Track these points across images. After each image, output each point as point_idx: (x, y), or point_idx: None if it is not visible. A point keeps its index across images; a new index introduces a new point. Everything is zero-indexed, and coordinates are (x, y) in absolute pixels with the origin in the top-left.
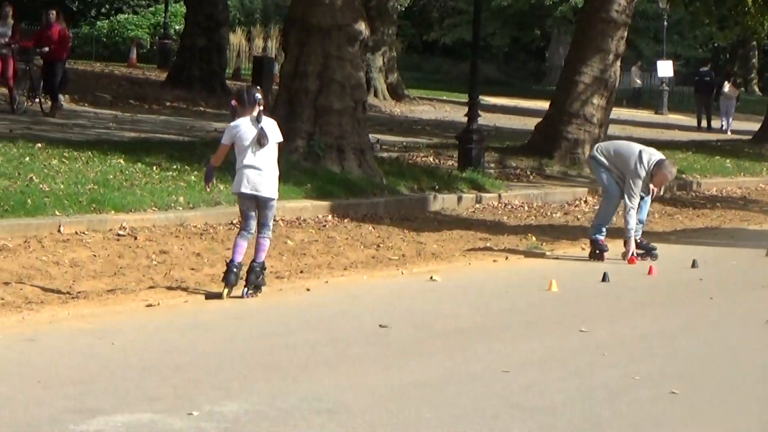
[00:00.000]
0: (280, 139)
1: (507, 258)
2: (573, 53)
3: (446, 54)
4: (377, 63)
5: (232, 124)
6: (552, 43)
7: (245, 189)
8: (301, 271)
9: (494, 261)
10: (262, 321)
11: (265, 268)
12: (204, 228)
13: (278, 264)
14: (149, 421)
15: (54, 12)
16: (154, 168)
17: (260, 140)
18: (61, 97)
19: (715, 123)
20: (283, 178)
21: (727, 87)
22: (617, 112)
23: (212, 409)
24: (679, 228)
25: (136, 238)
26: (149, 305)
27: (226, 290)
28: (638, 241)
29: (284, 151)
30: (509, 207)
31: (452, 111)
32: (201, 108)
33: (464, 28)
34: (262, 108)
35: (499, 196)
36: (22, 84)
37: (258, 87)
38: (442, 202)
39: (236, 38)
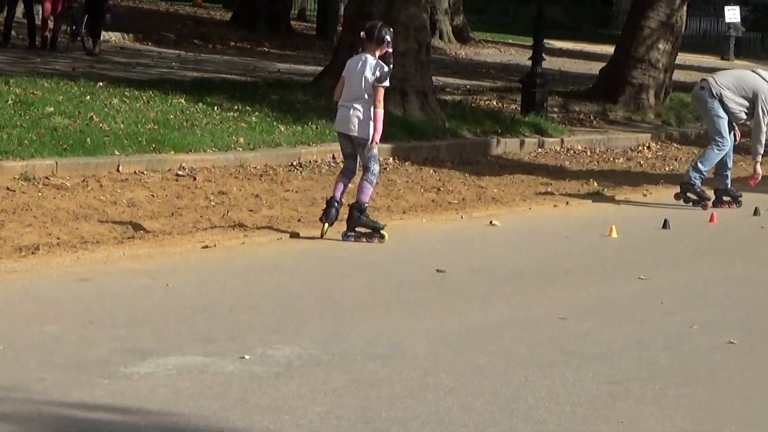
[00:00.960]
0: (383, 84)
1: (568, 203)
2: None
3: None
4: (443, 5)
5: (351, 58)
6: None
7: (336, 127)
8: None
9: (555, 206)
10: (319, 263)
11: (363, 211)
12: (264, 169)
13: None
14: (201, 363)
15: None
16: (215, 108)
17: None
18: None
19: None
20: None
21: None
22: (683, 58)
23: (265, 352)
24: (742, 176)
25: (195, 179)
26: (206, 246)
27: (325, 225)
28: (726, 188)
29: None
30: (572, 152)
31: (517, 54)
32: (265, 48)
33: None
34: (389, 50)
35: (562, 140)
36: (66, 22)
37: (390, 29)
38: (504, 146)
39: None
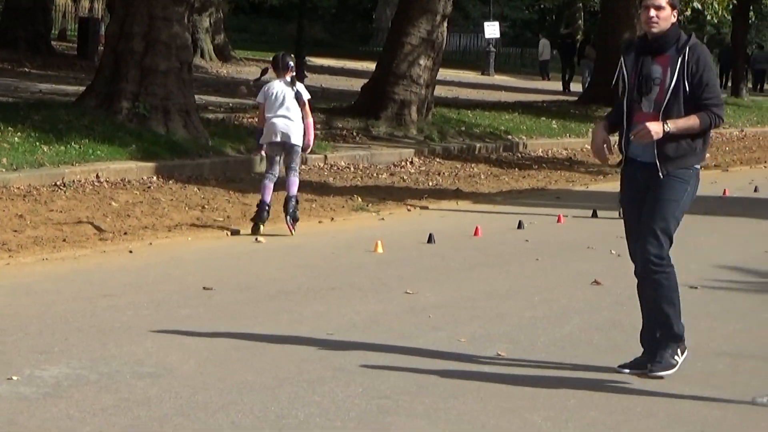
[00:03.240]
0: (307, 97)
1: (333, 219)
2: (400, 14)
3: (273, 15)
4: (204, 24)
5: (266, 85)
6: (379, 5)
7: (269, 139)
8: (125, 233)
9: (320, 222)
10: (85, 283)
11: (298, 201)
12: (27, 190)
13: (101, 225)
14: None
15: None
16: None
17: (298, 99)
18: None
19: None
20: (108, 140)
21: (588, 50)
22: (444, 73)
23: (33, 373)
24: (505, 189)
25: None
26: None
27: (260, 226)
28: None
29: (109, 112)
30: (335, 168)
31: None
32: (26, 69)
33: None
34: (294, 73)
35: (325, 157)
36: None
37: (291, 54)
38: None
39: None
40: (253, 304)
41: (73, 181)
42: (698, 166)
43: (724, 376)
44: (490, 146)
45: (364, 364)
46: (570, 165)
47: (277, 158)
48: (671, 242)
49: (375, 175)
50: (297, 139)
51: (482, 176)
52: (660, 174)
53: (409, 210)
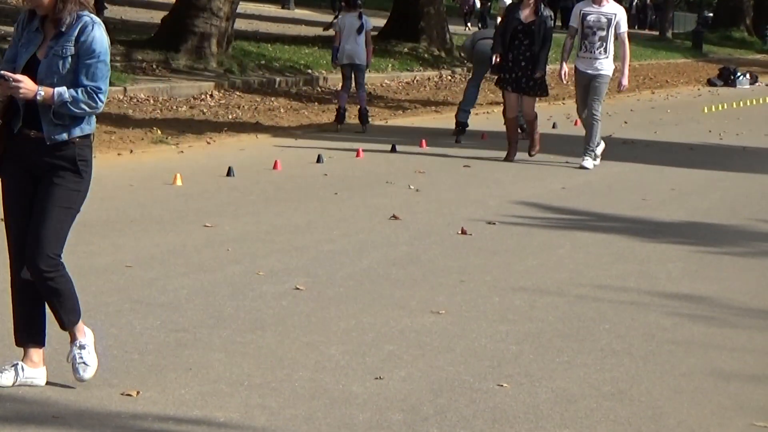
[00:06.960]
0: (371, 28)
1: (132, 152)
2: None
3: None
4: None
5: (341, 18)
6: None
7: (344, 60)
8: None
9: (119, 154)
10: None
11: (367, 111)
12: None
13: None
14: None
15: None
16: None
17: (359, 30)
18: None
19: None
20: None
21: None
22: (243, 7)
23: None
24: (304, 123)
25: None
26: None
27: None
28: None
29: None
30: (135, 100)
31: None
32: None
33: None
34: (361, 10)
35: (125, 89)
36: None
37: None
38: None
39: None
40: None
41: None
42: None
43: (520, 311)
44: (290, 80)
45: (162, 297)
46: (369, 100)
47: (349, 75)
48: None
49: (175, 107)
50: (361, 60)
51: (282, 110)
52: None
53: (208, 143)
